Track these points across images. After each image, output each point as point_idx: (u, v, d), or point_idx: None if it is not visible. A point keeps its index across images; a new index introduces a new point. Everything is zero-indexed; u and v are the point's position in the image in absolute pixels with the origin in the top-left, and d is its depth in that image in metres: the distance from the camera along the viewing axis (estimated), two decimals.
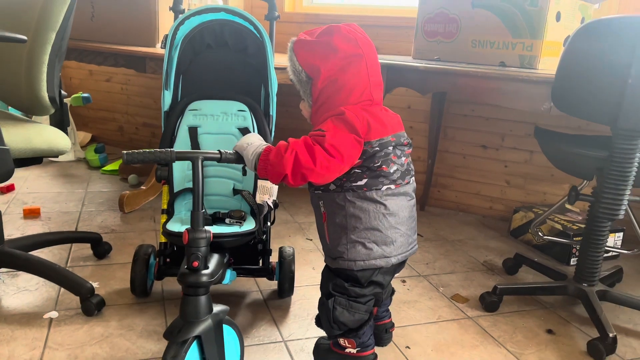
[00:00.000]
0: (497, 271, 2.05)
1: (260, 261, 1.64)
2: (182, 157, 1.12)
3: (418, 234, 2.41)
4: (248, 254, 1.60)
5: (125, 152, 1.09)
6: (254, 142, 1.16)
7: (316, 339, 1.37)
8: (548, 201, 2.53)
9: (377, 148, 1.14)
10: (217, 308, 1.17)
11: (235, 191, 1.56)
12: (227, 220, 1.44)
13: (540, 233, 2.04)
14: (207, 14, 1.56)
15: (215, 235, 1.25)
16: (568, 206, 2.38)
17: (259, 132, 1.55)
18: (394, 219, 1.18)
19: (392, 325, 1.44)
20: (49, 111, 1.53)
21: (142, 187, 2.56)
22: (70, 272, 1.60)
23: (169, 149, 1.10)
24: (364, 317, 1.22)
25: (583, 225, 2.17)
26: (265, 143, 1.17)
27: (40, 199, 2.49)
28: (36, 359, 1.33)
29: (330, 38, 1.15)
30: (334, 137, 1.09)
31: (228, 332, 1.22)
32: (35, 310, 1.55)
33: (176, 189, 1.54)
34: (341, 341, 1.24)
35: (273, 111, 1.59)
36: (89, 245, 1.94)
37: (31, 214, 2.28)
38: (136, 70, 2.15)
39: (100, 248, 1.92)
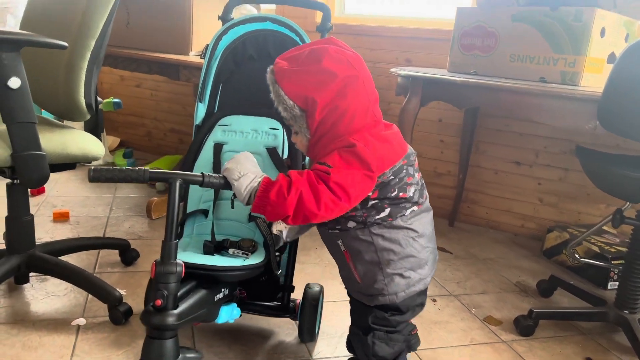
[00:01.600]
0: (531, 293, 1.98)
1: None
2: (156, 177, 1.05)
3: (448, 251, 2.40)
4: (265, 288, 1.46)
5: (92, 168, 1.02)
6: (247, 173, 1.05)
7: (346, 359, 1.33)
8: (583, 221, 2.45)
9: (392, 177, 1.08)
10: (187, 355, 1.05)
11: (251, 217, 1.41)
12: (230, 251, 1.32)
13: (576, 255, 1.97)
14: (252, 23, 1.50)
15: (209, 268, 1.18)
16: (606, 227, 2.30)
17: (290, 154, 1.45)
18: (423, 239, 1.14)
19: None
20: (85, 117, 1.53)
21: None
22: (99, 279, 1.59)
23: (141, 168, 1.03)
24: (402, 347, 1.18)
25: (621, 248, 2.10)
26: (260, 173, 1.07)
27: (69, 203, 2.51)
28: None
29: (319, 64, 1.03)
30: (340, 174, 1.00)
31: None
32: (64, 317, 1.54)
33: (189, 208, 1.46)
34: None
35: None
36: (116, 251, 1.94)
37: (61, 217, 2.29)
38: (169, 77, 2.16)
39: (128, 255, 1.91)
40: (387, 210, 1.09)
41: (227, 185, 1.06)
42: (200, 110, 1.56)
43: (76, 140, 1.49)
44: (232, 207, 1.17)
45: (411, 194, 1.11)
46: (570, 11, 1.72)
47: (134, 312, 1.56)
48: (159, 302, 1.00)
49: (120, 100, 3.02)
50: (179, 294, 1.07)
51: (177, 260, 1.04)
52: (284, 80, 1.05)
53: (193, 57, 2.28)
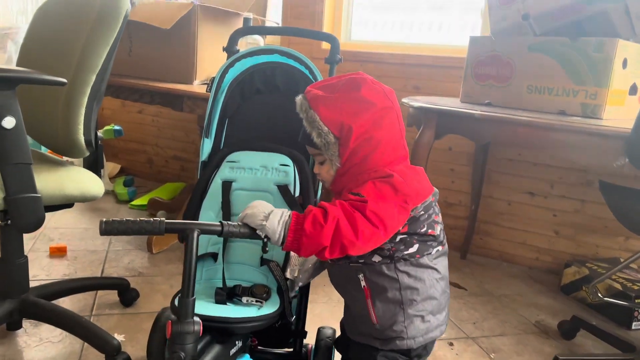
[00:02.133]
0: (552, 334, 1.88)
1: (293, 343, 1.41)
2: (172, 228, 0.98)
3: (462, 287, 2.30)
4: (277, 334, 1.38)
5: (103, 220, 0.95)
6: (272, 210, 0.99)
7: None
8: (600, 255, 2.35)
9: (422, 212, 1.04)
10: None
11: (263, 261, 1.33)
12: (244, 299, 1.23)
13: (599, 294, 1.87)
14: (260, 55, 1.46)
15: (225, 320, 1.10)
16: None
17: (302, 191, 1.38)
18: (444, 282, 1.10)
19: None
20: (84, 154, 1.45)
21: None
22: (95, 326, 1.49)
23: (157, 219, 0.96)
24: None
25: None
26: (287, 210, 1.01)
27: (66, 236, 2.42)
28: None
29: (358, 92, 1.03)
30: (376, 204, 0.96)
31: None
32: None
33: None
34: None
35: None
36: (115, 291, 1.84)
37: (57, 252, 2.20)
38: (173, 108, 2.09)
39: (128, 295, 1.81)
40: (416, 247, 1.04)
41: (250, 232, 0.99)
42: (207, 146, 1.49)
43: (74, 179, 1.41)
44: (265, 251, 1.05)
45: (438, 233, 1.08)
46: (590, 42, 1.66)
47: None
48: None
49: (121, 127, 2.97)
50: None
51: (195, 319, 0.97)
52: (320, 105, 1.04)
53: (197, 86, 2.22)
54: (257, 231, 0.97)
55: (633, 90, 1.74)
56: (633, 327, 1.95)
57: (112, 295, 1.85)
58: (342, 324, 1.24)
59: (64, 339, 1.57)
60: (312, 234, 0.93)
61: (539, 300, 2.17)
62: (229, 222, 1.00)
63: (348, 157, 1.03)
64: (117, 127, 2.94)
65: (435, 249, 1.07)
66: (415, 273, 1.05)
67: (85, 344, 1.54)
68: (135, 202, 2.94)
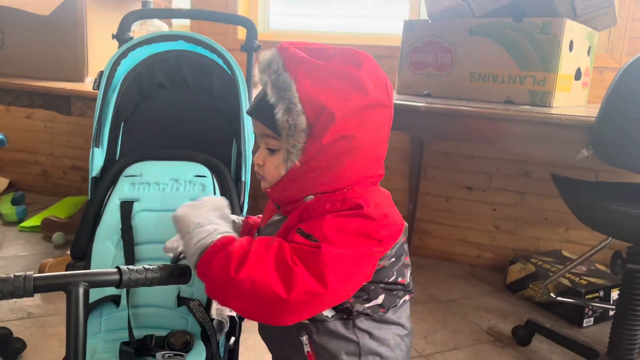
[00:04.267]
0: (507, 341, 1.74)
1: None
2: (46, 285, 0.71)
3: None
4: None
5: None
6: (209, 224, 0.75)
7: None
8: (542, 248, 2.27)
9: (393, 259, 0.78)
10: None
11: (181, 300, 1.06)
12: (158, 356, 0.97)
13: (551, 294, 1.76)
14: (160, 42, 1.17)
15: None
16: (567, 254, 2.12)
17: None
18: (409, 338, 0.85)
19: None
20: None
21: (69, 252, 2.09)
22: None
23: (24, 274, 0.69)
24: None
25: (592, 279, 1.93)
26: (225, 230, 0.75)
27: None
28: None
29: (356, 70, 0.73)
30: (333, 253, 0.68)
31: None
32: None
33: (92, 295, 1.05)
34: None
35: (246, 176, 1.16)
36: None
37: None
38: (58, 112, 1.72)
39: (10, 347, 1.45)
40: (381, 298, 0.78)
41: (168, 274, 0.76)
42: (97, 158, 1.18)
43: None
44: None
45: (408, 280, 0.82)
46: (536, 22, 1.51)
47: None
48: None
49: (4, 136, 2.50)
50: None
51: None
52: (301, 72, 0.71)
53: (89, 84, 1.86)
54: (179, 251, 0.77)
55: (578, 74, 1.63)
56: (584, 325, 1.86)
57: None
58: None
59: None
60: (217, 277, 0.69)
61: (487, 302, 2.03)
62: (131, 267, 0.72)
63: (314, 155, 0.72)
64: None
65: (401, 300, 0.82)
66: (379, 333, 0.79)
67: None
68: (25, 224, 2.50)
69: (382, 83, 0.75)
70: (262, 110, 0.75)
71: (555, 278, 1.75)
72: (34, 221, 2.51)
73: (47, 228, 2.38)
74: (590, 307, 1.84)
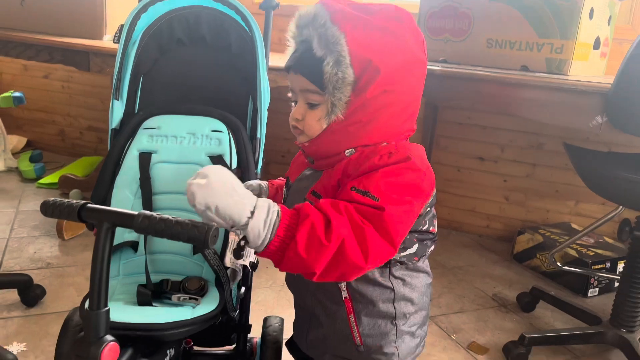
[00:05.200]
0: (511, 307, 1.77)
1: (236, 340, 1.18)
2: (87, 215, 0.74)
3: None
4: (216, 331, 1.14)
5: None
6: (249, 199, 0.69)
7: None
8: (551, 220, 2.28)
9: (428, 208, 0.82)
10: None
11: (196, 248, 1.11)
12: (174, 298, 1.01)
13: (557, 263, 1.78)
14: None
15: (151, 328, 0.88)
16: (576, 226, 2.14)
17: (240, 163, 1.13)
18: (431, 288, 0.90)
19: None
20: None
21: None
22: None
23: (75, 201, 0.74)
24: None
25: (599, 251, 1.95)
26: (266, 199, 0.70)
27: None
28: None
29: (399, 24, 0.75)
30: (396, 212, 0.69)
31: None
32: None
33: None
34: None
35: (262, 133, 1.18)
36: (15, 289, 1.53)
37: None
38: (77, 67, 1.74)
39: (30, 293, 1.51)
40: (415, 247, 0.82)
41: (195, 235, 0.66)
42: (117, 110, 1.21)
43: None
44: (240, 256, 0.79)
45: (436, 230, 0.86)
46: None
47: None
48: None
49: (22, 94, 2.55)
50: None
51: (108, 337, 0.73)
52: (348, 25, 0.73)
53: (107, 41, 1.88)
54: (233, 228, 0.69)
55: (597, 44, 1.61)
56: (589, 295, 1.89)
57: (11, 294, 1.53)
58: (302, 341, 0.96)
59: None
60: (303, 252, 0.66)
61: (493, 270, 2.06)
62: (161, 216, 0.70)
63: (356, 108, 0.75)
64: (17, 94, 2.52)
65: (429, 249, 0.86)
66: (411, 280, 0.83)
67: None
68: (43, 180, 2.56)
69: (421, 40, 0.78)
70: (307, 65, 0.77)
71: (563, 247, 1.77)
72: (51, 178, 2.56)
73: (65, 185, 2.44)
74: (595, 278, 1.86)
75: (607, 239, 2.09)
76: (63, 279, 1.68)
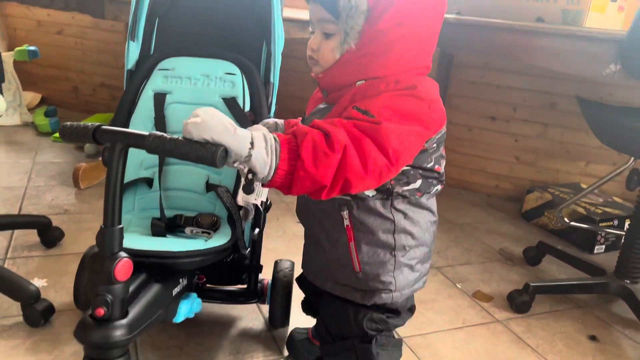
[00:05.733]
0: (517, 261, 1.80)
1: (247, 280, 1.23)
2: (100, 137, 0.77)
3: None
4: (228, 270, 1.20)
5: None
6: (251, 132, 0.70)
7: None
8: (561, 180, 2.29)
9: (435, 145, 0.83)
10: None
11: (210, 186, 1.14)
12: (187, 230, 1.05)
13: (565, 218, 1.79)
14: None
15: (164, 255, 0.93)
16: (586, 186, 2.14)
17: (253, 106, 1.15)
18: (436, 226, 0.94)
19: None
20: None
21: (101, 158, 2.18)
22: (8, 271, 1.25)
23: (90, 124, 0.77)
24: (401, 354, 0.95)
25: (607, 209, 1.96)
26: (263, 129, 0.72)
27: None
28: None
29: None
30: (392, 128, 0.71)
31: None
32: None
33: (127, 177, 1.12)
34: None
35: (275, 77, 1.20)
36: (35, 230, 1.58)
37: None
38: (92, 15, 1.75)
39: (50, 234, 1.56)
40: (418, 183, 0.84)
41: (202, 154, 0.68)
42: (133, 51, 1.24)
43: None
44: (251, 191, 0.78)
45: (443, 170, 0.88)
46: None
47: (56, 309, 1.24)
48: (101, 311, 0.74)
49: (36, 48, 2.57)
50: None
51: (122, 253, 0.77)
52: None
53: None
54: (236, 164, 0.70)
55: None
56: (595, 251, 1.91)
57: (32, 236, 1.59)
58: (308, 270, 1.02)
59: None
60: (312, 166, 0.68)
61: (501, 227, 2.09)
62: (174, 137, 0.71)
63: (369, 40, 0.77)
64: (31, 48, 2.54)
65: (434, 188, 0.88)
66: (413, 214, 0.86)
67: None
68: (58, 134, 2.60)
69: None
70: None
71: (571, 202, 1.78)
72: None
73: None
74: (602, 234, 1.87)
75: (616, 198, 2.10)
76: (80, 224, 1.73)
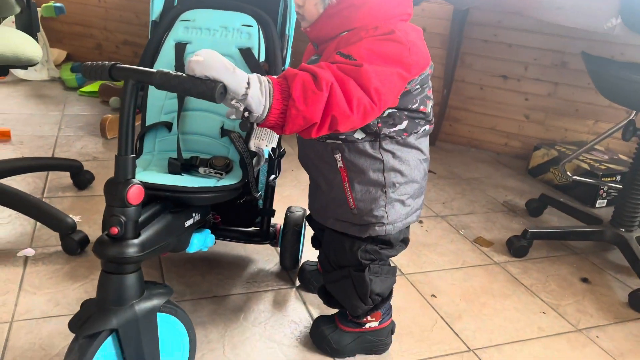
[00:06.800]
0: (520, 212, 1.89)
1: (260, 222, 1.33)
2: (116, 74, 0.82)
3: (431, 171, 2.26)
4: (243, 212, 1.30)
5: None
6: (248, 74, 0.76)
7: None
8: (569, 138, 2.34)
9: (418, 86, 0.90)
10: (152, 291, 0.88)
11: (224, 131, 1.22)
12: (201, 170, 1.14)
13: (568, 172, 1.86)
14: None
15: (177, 189, 1.00)
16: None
17: (268, 57, 1.22)
18: (427, 164, 1.01)
19: None
20: (13, 10, 1.25)
21: None
22: (48, 205, 1.38)
23: (107, 62, 0.82)
24: (394, 280, 1.05)
25: (611, 165, 2.02)
26: (256, 74, 0.77)
27: (10, 121, 2.22)
28: (10, 305, 1.14)
29: None
30: (372, 69, 0.78)
31: (169, 324, 0.93)
32: (8, 247, 1.34)
33: (149, 121, 1.25)
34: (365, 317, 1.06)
35: (290, 30, 1.27)
36: (67, 173, 1.71)
37: (1, 137, 2.01)
38: None
39: (82, 177, 1.69)
40: (405, 124, 0.92)
41: (206, 89, 0.73)
42: (157, 3, 1.31)
43: (6, 37, 1.22)
44: (247, 127, 0.86)
45: (429, 110, 0.95)
46: None
47: (90, 240, 1.37)
48: (115, 230, 0.81)
49: (62, 5, 2.66)
50: (140, 219, 0.88)
51: (135, 180, 0.85)
52: None
53: None
54: (233, 102, 0.75)
55: None
56: (597, 205, 1.98)
57: (65, 179, 1.72)
58: (312, 210, 1.12)
59: (14, 220, 1.46)
60: (303, 104, 0.74)
61: (507, 182, 2.17)
62: (178, 74, 0.78)
63: None
64: (58, 4, 2.64)
65: (422, 128, 0.96)
66: (401, 153, 0.94)
67: (38, 224, 1.44)
68: (84, 89, 2.72)
69: None
70: None
71: (575, 156, 1.84)
72: (92, 87, 2.72)
73: (105, 93, 2.59)
74: (604, 189, 1.94)
75: (622, 156, 2.15)
76: (108, 170, 1.86)
